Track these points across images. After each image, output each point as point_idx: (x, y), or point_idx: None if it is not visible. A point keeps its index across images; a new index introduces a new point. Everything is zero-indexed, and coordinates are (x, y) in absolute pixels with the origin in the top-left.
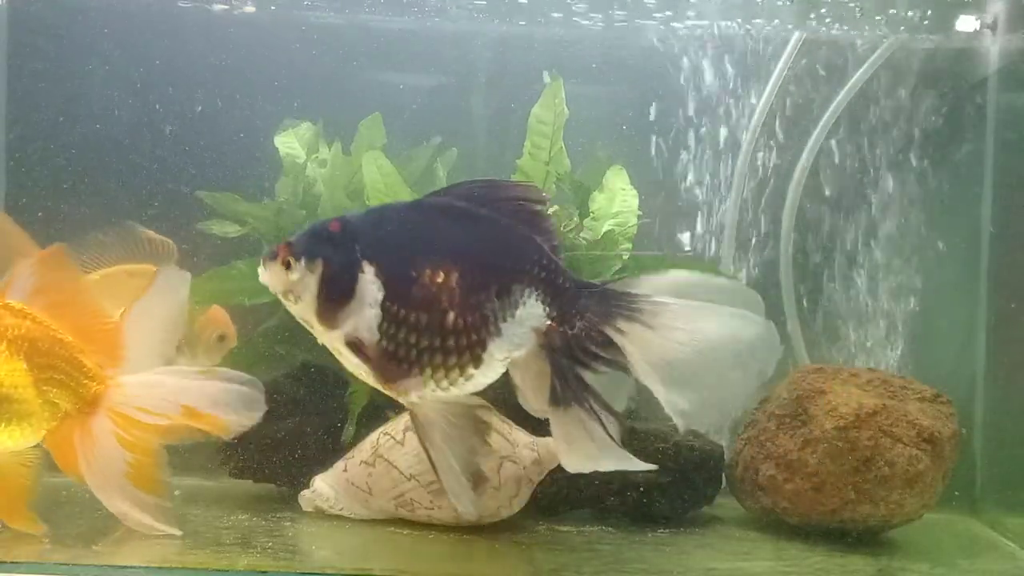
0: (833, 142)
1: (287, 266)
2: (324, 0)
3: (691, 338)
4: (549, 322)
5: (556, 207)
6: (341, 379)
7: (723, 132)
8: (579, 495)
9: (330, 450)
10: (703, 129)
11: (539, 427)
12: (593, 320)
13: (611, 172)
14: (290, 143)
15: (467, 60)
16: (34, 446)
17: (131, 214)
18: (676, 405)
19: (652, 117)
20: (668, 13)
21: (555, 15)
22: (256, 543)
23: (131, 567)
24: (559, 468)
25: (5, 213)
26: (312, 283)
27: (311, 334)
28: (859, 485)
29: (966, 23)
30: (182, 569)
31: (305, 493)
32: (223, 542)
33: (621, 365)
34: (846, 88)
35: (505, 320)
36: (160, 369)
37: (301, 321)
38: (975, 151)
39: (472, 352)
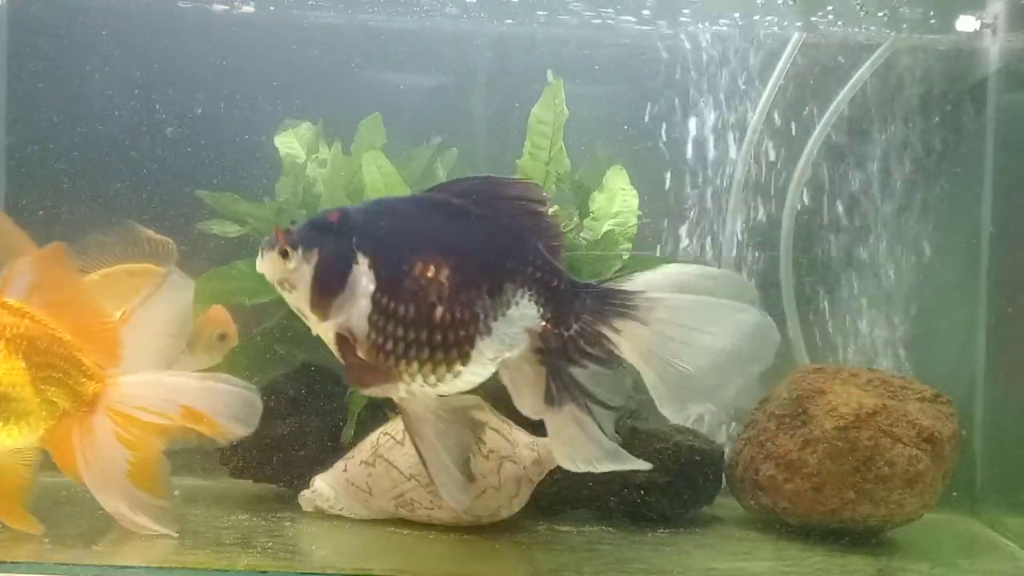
0: (833, 142)
1: (284, 255)
2: (324, 0)
3: (686, 332)
4: (544, 323)
5: (556, 207)
6: (341, 379)
7: (723, 131)
8: (579, 495)
9: (330, 450)
10: (703, 125)
11: (539, 427)
12: (589, 321)
13: (611, 172)
14: (290, 143)
15: (467, 60)
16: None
17: (131, 214)
18: (675, 402)
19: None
20: (661, 22)
21: (562, 17)
22: (256, 543)
23: (131, 567)
24: (559, 468)
25: (5, 213)
26: (307, 272)
27: (311, 334)
28: (859, 485)
29: (966, 23)
30: (182, 569)
31: (305, 493)
32: (223, 542)
33: (617, 364)
34: (847, 88)
35: (496, 319)
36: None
37: (295, 310)
38: (975, 151)
39: (460, 348)
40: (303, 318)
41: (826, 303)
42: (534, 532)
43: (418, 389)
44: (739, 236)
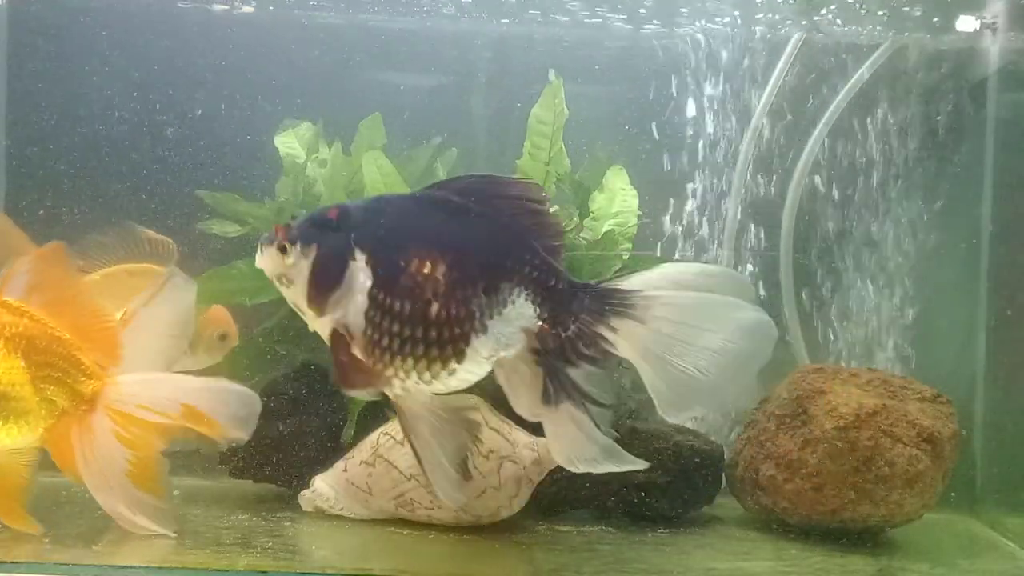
0: (833, 142)
1: (283, 251)
2: (324, 0)
3: (684, 329)
4: (541, 323)
5: (556, 207)
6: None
7: (723, 132)
8: (579, 495)
9: (330, 450)
10: (703, 129)
11: (539, 427)
12: (586, 321)
13: (611, 172)
14: (290, 143)
15: (467, 60)
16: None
17: (131, 214)
18: (673, 400)
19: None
20: (658, 22)
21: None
22: (256, 543)
23: (131, 567)
24: (559, 468)
25: (4, 213)
26: (305, 268)
27: (312, 334)
28: (859, 485)
29: (966, 23)
30: (182, 569)
31: (305, 493)
32: (223, 542)
33: (614, 364)
34: (847, 87)
35: (492, 317)
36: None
37: (293, 306)
38: (975, 151)
39: (455, 346)
40: (300, 314)
41: (826, 303)
42: (534, 532)
43: (413, 386)
44: (739, 215)
